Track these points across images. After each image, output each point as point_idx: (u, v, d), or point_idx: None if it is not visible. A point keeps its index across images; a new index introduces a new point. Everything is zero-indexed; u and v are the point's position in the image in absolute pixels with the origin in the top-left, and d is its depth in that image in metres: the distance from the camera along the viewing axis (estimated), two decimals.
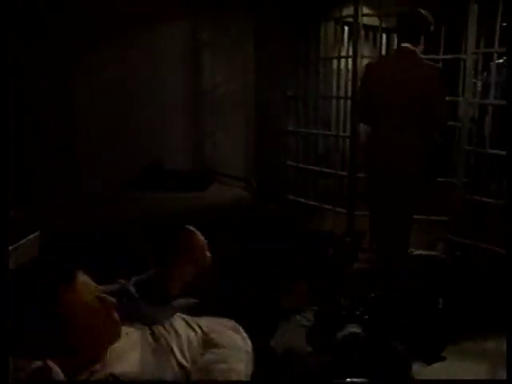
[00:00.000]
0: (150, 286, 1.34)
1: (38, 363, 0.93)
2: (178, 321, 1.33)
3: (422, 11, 2.90)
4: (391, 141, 2.91)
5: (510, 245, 1.70)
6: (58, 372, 0.94)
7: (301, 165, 4.39)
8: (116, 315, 1.15)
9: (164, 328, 1.28)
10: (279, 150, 4.45)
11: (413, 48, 2.87)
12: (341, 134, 4.34)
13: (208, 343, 1.26)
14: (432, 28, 2.94)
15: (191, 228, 1.38)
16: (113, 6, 3.26)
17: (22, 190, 2.74)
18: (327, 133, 4.39)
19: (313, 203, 4.27)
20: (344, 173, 4.09)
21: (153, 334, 1.24)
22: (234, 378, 1.20)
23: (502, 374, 1.18)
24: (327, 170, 4.24)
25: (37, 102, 3.10)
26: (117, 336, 1.15)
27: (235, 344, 1.28)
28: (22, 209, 2.30)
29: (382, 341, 1.57)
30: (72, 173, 3.25)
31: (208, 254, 1.39)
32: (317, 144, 4.36)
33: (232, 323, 1.40)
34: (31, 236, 1.71)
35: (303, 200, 4.33)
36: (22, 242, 1.62)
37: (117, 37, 3.39)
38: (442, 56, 3.54)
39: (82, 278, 1.11)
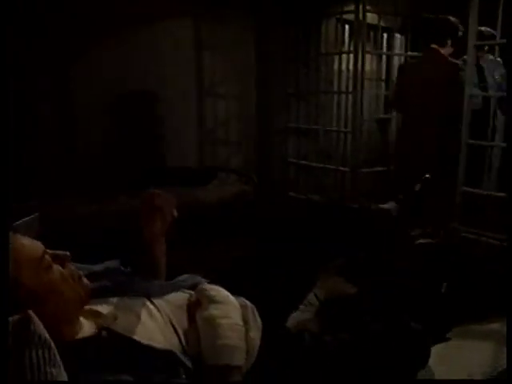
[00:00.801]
0: (135, 257, 1.47)
1: (18, 315, 0.92)
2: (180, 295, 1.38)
3: (451, 18, 3.35)
4: (420, 131, 3.39)
5: (510, 236, 1.68)
6: (38, 323, 0.93)
7: (302, 161, 4.38)
8: (74, 268, 1.16)
9: (163, 300, 1.32)
10: (280, 147, 4.44)
11: (439, 48, 3.35)
12: (342, 129, 4.33)
13: (209, 298, 1.32)
14: (460, 33, 3.33)
15: (150, 191, 1.50)
16: (113, 5, 3.28)
17: (22, 190, 2.74)
18: (328, 128, 4.37)
19: (314, 200, 4.25)
20: (346, 169, 4.09)
21: (153, 304, 1.28)
22: (238, 332, 1.27)
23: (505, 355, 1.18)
24: (329, 166, 4.23)
25: (37, 101, 3.11)
26: (85, 289, 1.16)
27: (232, 301, 1.35)
28: (22, 207, 2.30)
29: (398, 320, 1.54)
30: (72, 173, 3.26)
31: (172, 207, 1.50)
32: (318, 140, 4.35)
33: (242, 300, 1.41)
34: (31, 217, 1.71)
35: (304, 197, 4.32)
36: (20, 221, 1.61)
37: (117, 36, 3.40)
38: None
39: (19, 238, 1.12)
